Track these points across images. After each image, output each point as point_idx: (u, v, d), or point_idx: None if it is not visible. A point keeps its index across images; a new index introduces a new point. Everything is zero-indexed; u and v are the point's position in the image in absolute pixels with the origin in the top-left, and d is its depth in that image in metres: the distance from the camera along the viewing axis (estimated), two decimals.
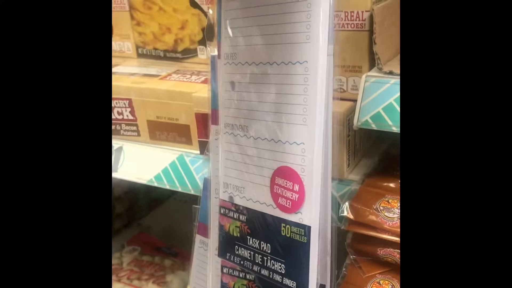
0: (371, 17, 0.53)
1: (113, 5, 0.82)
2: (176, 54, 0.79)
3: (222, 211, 0.53)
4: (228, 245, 0.53)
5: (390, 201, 0.55)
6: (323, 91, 0.43)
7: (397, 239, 0.52)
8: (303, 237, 0.45)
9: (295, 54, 0.44)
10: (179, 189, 0.71)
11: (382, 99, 0.52)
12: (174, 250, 1.02)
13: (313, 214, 0.44)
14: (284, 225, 0.47)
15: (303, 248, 0.45)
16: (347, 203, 0.53)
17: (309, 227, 0.44)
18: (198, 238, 0.64)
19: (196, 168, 0.70)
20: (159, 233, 1.09)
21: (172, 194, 1.17)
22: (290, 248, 0.46)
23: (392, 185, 0.58)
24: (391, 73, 0.52)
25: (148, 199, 1.19)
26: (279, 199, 0.47)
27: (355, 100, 0.54)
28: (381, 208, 0.54)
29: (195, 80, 0.71)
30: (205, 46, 0.77)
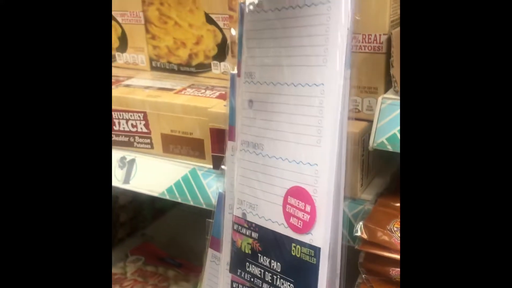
0: (388, 40, 0.54)
1: (128, 18, 0.83)
2: (190, 68, 0.80)
3: (235, 227, 0.54)
4: (239, 261, 0.53)
5: None
6: (337, 114, 0.44)
7: None
8: (312, 258, 0.45)
9: (312, 77, 0.45)
10: (191, 203, 0.71)
11: (398, 121, 0.52)
12: (178, 261, 1.02)
13: (324, 236, 0.45)
14: (294, 245, 0.47)
15: (312, 270, 0.45)
16: (361, 223, 0.54)
17: (319, 249, 0.45)
18: (210, 252, 0.65)
19: (209, 183, 0.71)
20: (162, 243, 1.09)
21: (176, 204, 1.18)
22: (300, 268, 0.46)
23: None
24: None
25: (152, 208, 1.19)
26: (291, 218, 0.47)
27: (369, 121, 0.54)
28: (395, 229, 0.54)
29: (210, 95, 0.72)
30: (219, 62, 0.78)
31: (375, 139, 0.52)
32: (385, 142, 0.52)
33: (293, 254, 0.47)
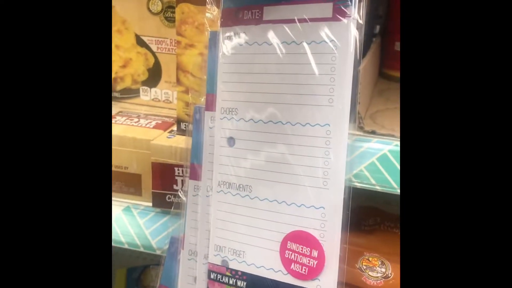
0: None
1: None
2: (114, 93, 0.73)
3: (212, 276, 0.49)
4: None
5: (370, 259, 0.55)
6: (345, 155, 0.43)
7: None
8: None
9: (315, 116, 0.43)
10: (125, 246, 0.64)
11: (364, 157, 0.52)
12: None
13: (333, 281, 0.43)
14: None
15: None
16: None
17: None
18: None
19: (147, 222, 0.64)
20: None
21: None
22: None
23: (364, 240, 0.59)
24: (373, 132, 0.53)
25: None
26: (292, 265, 0.44)
27: None
28: (364, 267, 0.54)
29: (146, 124, 0.66)
30: (150, 87, 0.72)
31: None
32: (352, 178, 0.52)
33: None
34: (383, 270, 0.54)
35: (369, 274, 0.53)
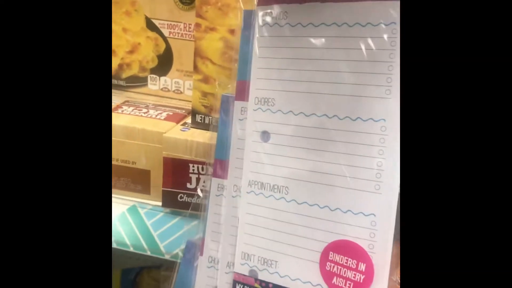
0: None
1: None
2: (118, 81, 0.66)
3: (238, 287, 0.43)
4: None
5: None
6: (399, 155, 0.37)
7: None
8: None
9: (368, 110, 0.38)
10: (131, 249, 0.58)
11: None
12: None
13: None
14: None
15: None
16: None
17: None
18: None
19: (154, 224, 0.58)
20: None
21: None
22: None
23: (396, 249, 0.54)
24: None
25: None
26: (334, 279, 0.39)
27: None
28: (399, 280, 0.49)
29: (156, 116, 0.60)
30: (159, 76, 0.66)
31: None
32: None
33: None
34: None
35: None
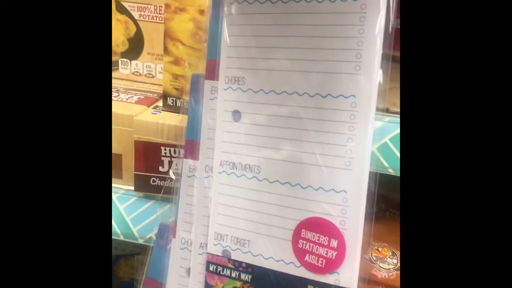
0: None
1: None
2: None
3: (211, 268, 0.43)
4: None
5: (380, 249, 0.51)
6: (372, 131, 0.37)
7: None
8: None
9: (338, 86, 0.38)
10: None
11: (376, 138, 0.48)
12: None
13: (354, 274, 0.38)
14: (312, 287, 0.39)
15: None
16: None
17: None
18: None
19: (127, 208, 0.57)
20: None
21: None
22: None
23: (369, 229, 0.54)
24: (386, 110, 0.48)
25: None
26: (307, 256, 0.39)
27: None
28: (374, 258, 0.50)
29: (127, 99, 0.59)
30: (130, 60, 0.64)
31: None
32: None
33: None
34: (395, 261, 0.50)
35: (380, 266, 0.49)
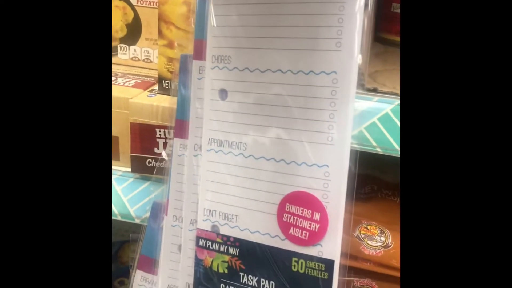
0: None
1: None
2: None
3: (201, 243, 0.44)
4: (209, 283, 0.44)
5: (368, 227, 0.52)
6: (352, 107, 0.38)
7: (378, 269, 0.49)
8: (323, 272, 0.39)
9: (320, 63, 0.39)
10: None
11: (365, 117, 0.48)
12: None
13: (337, 247, 0.39)
14: (296, 259, 0.40)
15: (323, 286, 0.39)
16: None
17: (332, 262, 0.39)
18: (139, 274, 0.53)
19: (125, 189, 0.59)
20: None
21: None
22: (304, 285, 0.40)
23: (360, 208, 0.55)
24: (374, 90, 0.49)
25: None
26: (291, 229, 0.40)
27: None
28: (362, 235, 0.50)
29: (124, 83, 0.60)
30: (128, 45, 0.66)
31: None
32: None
33: (294, 270, 0.40)
34: (383, 239, 0.50)
35: (367, 243, 0.50)
